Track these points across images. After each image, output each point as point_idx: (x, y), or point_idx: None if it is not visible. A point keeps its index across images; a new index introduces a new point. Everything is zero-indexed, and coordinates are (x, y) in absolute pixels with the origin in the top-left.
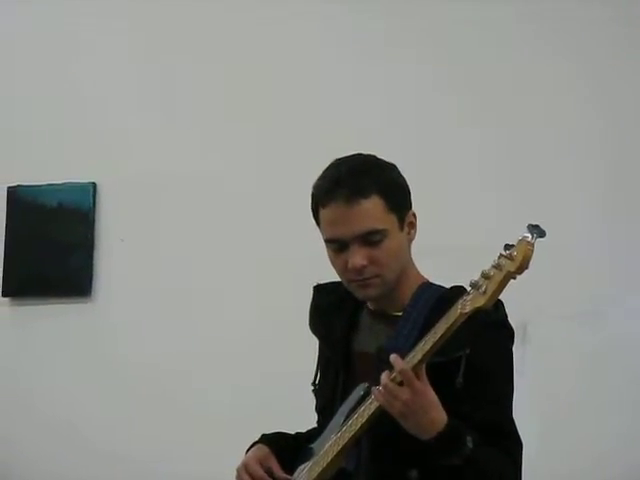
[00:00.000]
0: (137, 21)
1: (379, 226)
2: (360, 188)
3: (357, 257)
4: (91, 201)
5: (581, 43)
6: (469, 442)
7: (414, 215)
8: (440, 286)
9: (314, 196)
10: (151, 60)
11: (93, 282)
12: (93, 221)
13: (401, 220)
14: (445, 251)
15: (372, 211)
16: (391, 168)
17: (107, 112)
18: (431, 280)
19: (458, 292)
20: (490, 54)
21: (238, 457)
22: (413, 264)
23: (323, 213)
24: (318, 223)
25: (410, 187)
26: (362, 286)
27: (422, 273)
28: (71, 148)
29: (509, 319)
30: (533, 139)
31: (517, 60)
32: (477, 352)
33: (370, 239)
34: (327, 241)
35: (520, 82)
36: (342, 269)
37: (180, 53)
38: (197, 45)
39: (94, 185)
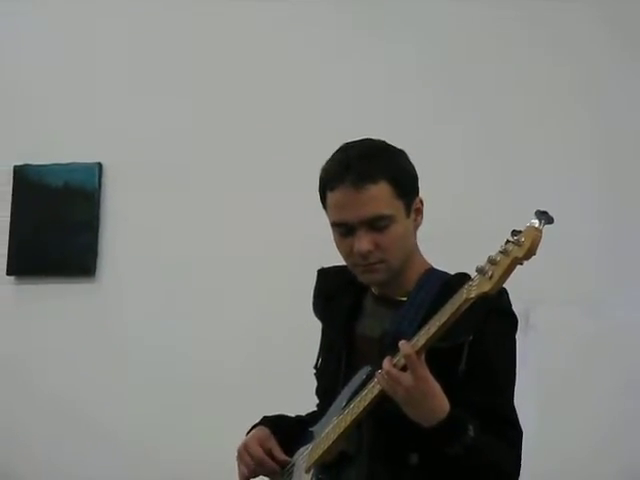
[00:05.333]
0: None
1: (386, 212)
2: (369, 173)
3: (363, 242)
4: (97, 181)
5: (572, 39)
6: (470, 430)
7: (421, 202)
8: (445, 272)
9: (322, 179)
10: (159, 47)
11: (98, 262)
12: (99, 201)
13: (408, 206)
14: (449, 237)
15: (380, 196)
16: (400, 154)
17: (114, 93)
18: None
19: (462, 278)
20: (485, 54)
21: (241, 436)
22: (418, 250)
23: (330, 196)
24: (325, 206)
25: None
26: (367, 271)
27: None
28: (77, 128)
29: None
30: (528, 131)
31: (509, 58)
32: (480, 339)
33: (377, 224)
34: (333, 224)
35: (513, 80)
36: (347, 253)
37: (186, 41)
38: (201, 32)
39: (100, 165)
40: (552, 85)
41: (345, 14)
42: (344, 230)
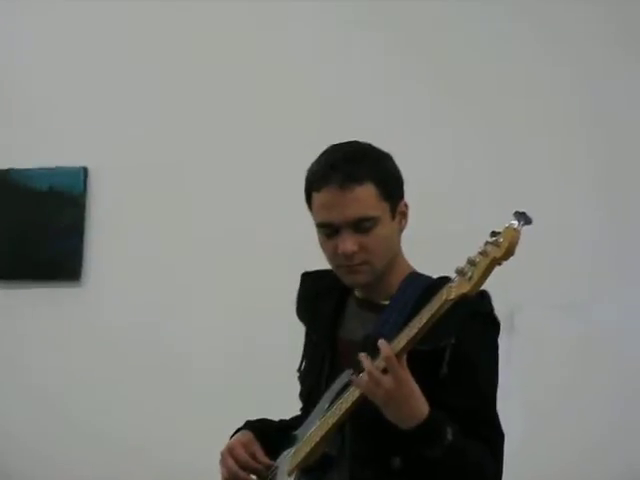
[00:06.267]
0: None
1: (371, 213)
2: (355, 174)
3: (347, 243)
4: (82, 185)
5: (568, 37)
6: (449, 434)
7: (406, 205)
8: (428, 276)
9: (308, 180)
10: (146, 49)
11: (83, 266)
12: (84, 205)
13: (393, 209)
14: (432, 241)
15: (365, 198)
16: (386, 157)
17: (100, 98)
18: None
19: (445, 282)
20: (478, 52)
21: (227, 437)
22: (402, 253)
23: (316, 197)
24: (310, 207)
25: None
26: (351, 272)
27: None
28: (63, 132)
29: (496, 310)
30: (523, 133)
31: (504, 57)
32: (462, 343)
33: (361, 226)
34: (318, 225)
35: (508, 81)
36: (332, 254)
37: (173, 43)
38: (190, 37)
39: (85, 169)
40: (548, 85)
41: (330, 13)
42: (329, 231)
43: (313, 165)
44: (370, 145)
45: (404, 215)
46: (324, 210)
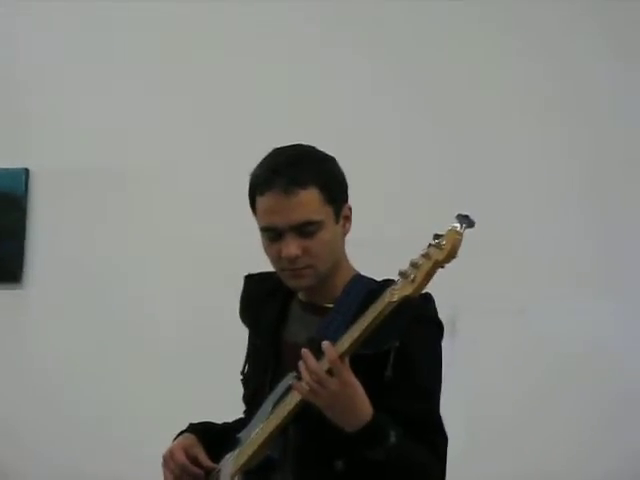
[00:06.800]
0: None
1: (315, 217)
2: (298, 178)
3: (291, 247)
4: (24, 187)
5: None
6: (392, 436)
7: (350, 209)
8: (372, 279)
9: (251, 184)
10: (92, 43)
11: (24, 268)
12: (25, 207)
13: (337, 213)
14: (377, 243)
15: (309, 202)
16: (330, 160)
17: (42, 97)
18: (363, 273)
19: (389, 285)
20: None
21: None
22: (346, 257)
23: (260, 201)
24: (254, 211)
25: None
26: (294, 276)
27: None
28: (4, 133)
29: (439, 313)
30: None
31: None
32: (406, 346)
33: (305, 230)
34: (262, 229)
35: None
36: (275, 258)
37: (119, 32)
38: (137, 23)
39: (27, 171)
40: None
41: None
42: (273, 235)
43: (256, 169)
44: (313, 148)
45: (348, 219)
46: (268, 214)
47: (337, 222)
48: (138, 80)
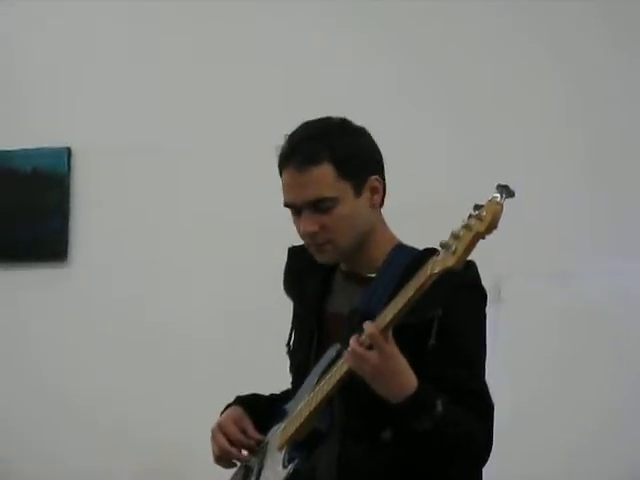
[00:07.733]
0: None
1: (328, 194)
2: (311, 155)
3: (307, 223)
4: (66, 166)
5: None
6: (439, 405)
7: (378, 180)
8: (413, 248)
9: (278, 159)
10: (134, 28)
11: (69, 247)
12: (68, 186)
13: (358, 186)
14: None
15: (321, 178)
16: (354, 133)
17: (82, 77)
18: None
19: (431, 254)
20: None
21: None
22: (384, 227)
23: (282, 177)
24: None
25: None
26: (317, 251)
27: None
28: (46, 113)
29: (482, 280)
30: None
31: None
32: (450, 313)
33: (320, 206)
34: (284, 206)
35: (500, 56)
36: (300, 234)
37: (158, 27)
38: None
39: (69, 150)
40: (530, 61)
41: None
42: (294, 211)
43: (282, 144)
44: (341, 121)
45: (376, 190)
46: (286, 191)
47: (359, 195)
48: (180, 57)
